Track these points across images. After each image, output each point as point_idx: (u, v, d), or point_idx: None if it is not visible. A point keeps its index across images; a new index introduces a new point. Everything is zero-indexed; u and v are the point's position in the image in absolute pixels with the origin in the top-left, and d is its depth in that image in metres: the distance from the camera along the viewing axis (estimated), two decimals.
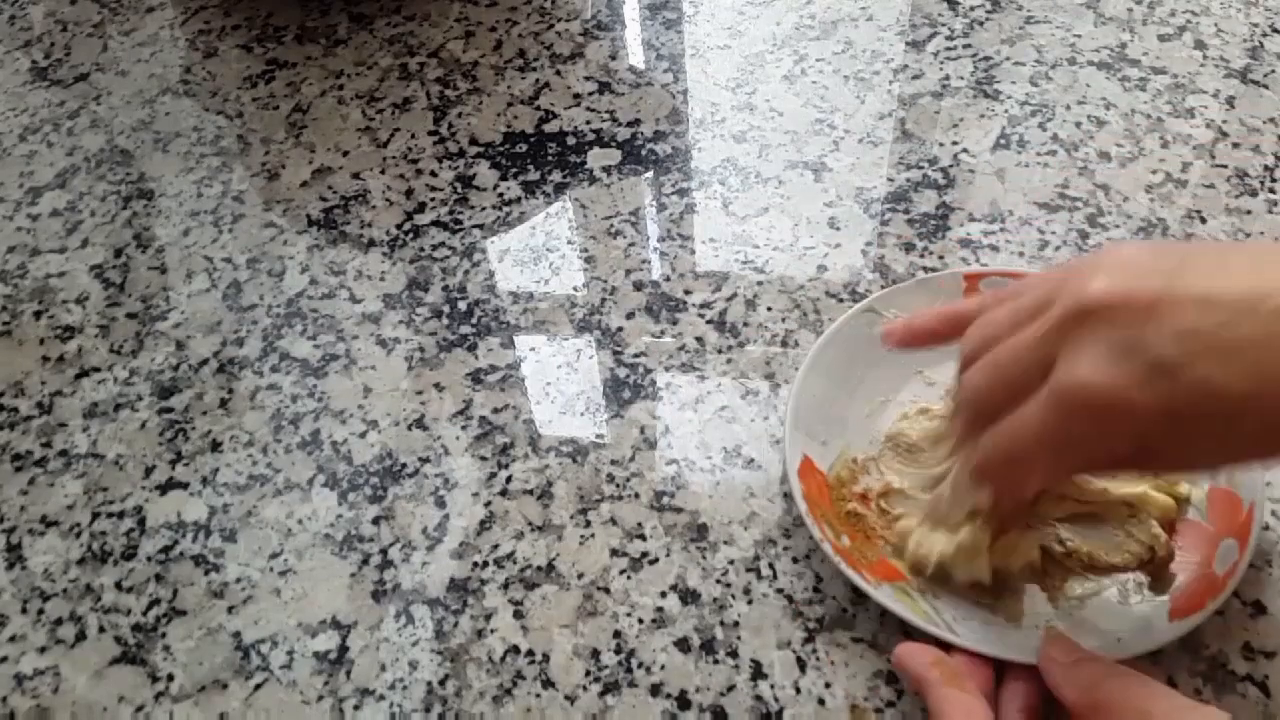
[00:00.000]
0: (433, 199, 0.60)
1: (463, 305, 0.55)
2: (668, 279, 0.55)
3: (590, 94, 0.65)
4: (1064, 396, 0.31)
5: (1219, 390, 0.29)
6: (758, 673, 0.41)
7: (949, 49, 0.64)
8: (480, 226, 0.59)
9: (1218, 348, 0.29)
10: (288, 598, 0.45)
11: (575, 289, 0.55)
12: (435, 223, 0.59)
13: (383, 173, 0.62)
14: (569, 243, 0.57)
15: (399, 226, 0.59)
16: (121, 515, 0.49)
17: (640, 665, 0.42)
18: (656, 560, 0.44)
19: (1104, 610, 0.40)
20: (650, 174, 0.60)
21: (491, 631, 0.43)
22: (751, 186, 0.58)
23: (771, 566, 0.43)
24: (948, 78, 0.63)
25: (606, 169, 0.61)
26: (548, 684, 0.41)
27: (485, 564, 0.45)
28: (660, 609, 0.43)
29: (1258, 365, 0.29)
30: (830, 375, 0.47)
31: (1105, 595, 0.40)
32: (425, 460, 0.49)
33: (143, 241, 0.61)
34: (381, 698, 0.42)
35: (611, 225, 0.58)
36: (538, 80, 0.66)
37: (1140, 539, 0.40)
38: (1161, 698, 0.33)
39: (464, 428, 0.50)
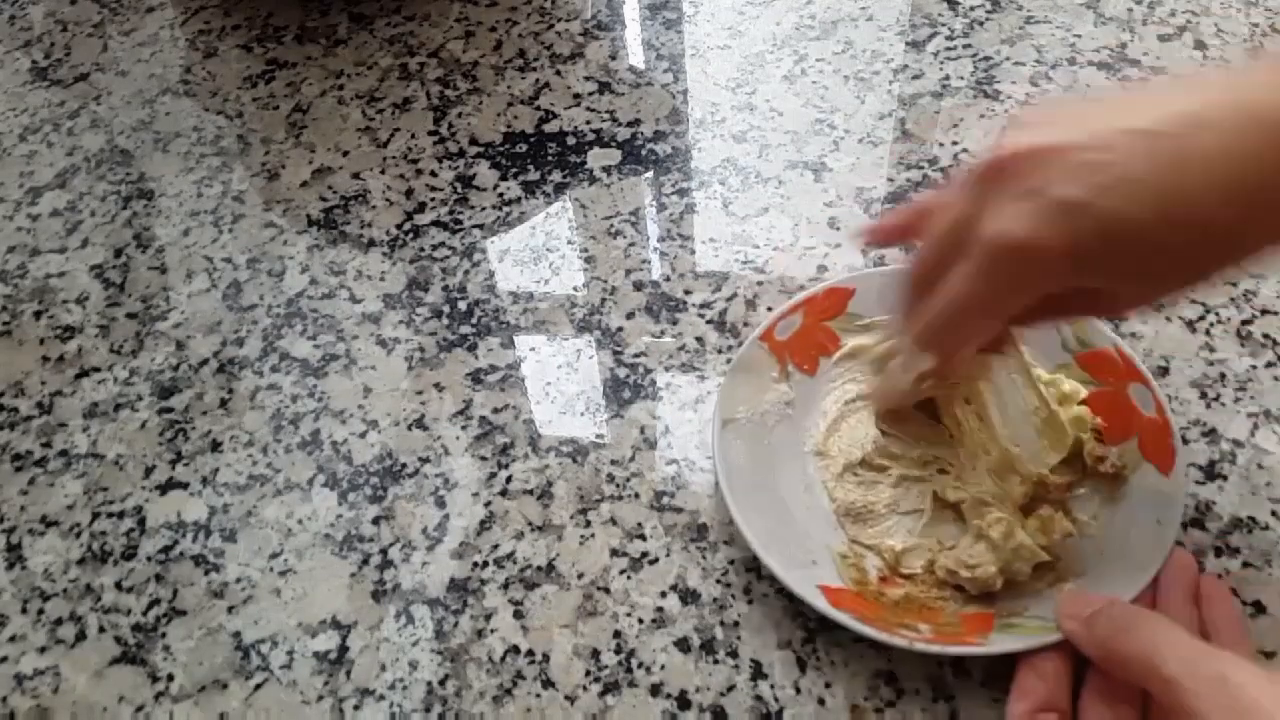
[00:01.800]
0: (433, 199, 0.60)
1: (463, 305, 0.55)
2: (668, 279, 0.55)
3: (590, 94, 0.65)
4: (983, 249, 0.32)
5: (1126, 219, 0.30)
6: (758, 673, 0.41)
7: (949, 49, 0.64)
8: (480, 226, 0.59)
9: (1121, 180, 0.30)
10: (288, 598, 0.45)
11: (575, 289, 0.55)
12: (435, 223, 0.59)
13: (383, 173, 0.62)
14: (569, 243, 0.57)
15: (399, 226, 0.59)
16: (121, 515, 0.49)
17: (640, 665, 0.42)
18: (656, 560, 0.44)
19: (1117, 509, 0.42)
20: (650, 174, 0.60)
21: (491, 631, 0.43)
22: (751, 186, 0.58)
23: None
24: (948, 78, 0.63)
25: (606, 169, 0.61)
26: (548, 684, 0.41)
27: (485, 564, 0.45)
28: (660, 609, 0.43)
29: (1159, 193, 0.30)
30: (755, 492, 0.44)
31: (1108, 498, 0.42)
32: (425, 460, 0.49)
33: (143, 241, 0.61)
34: (381, 698, 0.42)
35: (611, 225, 0.58)
36: (538, 80, 0.66)
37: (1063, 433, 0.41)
38: (1174, 645, 0.33)
39: (464, 428, 0.50)
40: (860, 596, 0.41)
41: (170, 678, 0.43)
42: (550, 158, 0.62)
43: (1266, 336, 0.48)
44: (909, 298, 0.37)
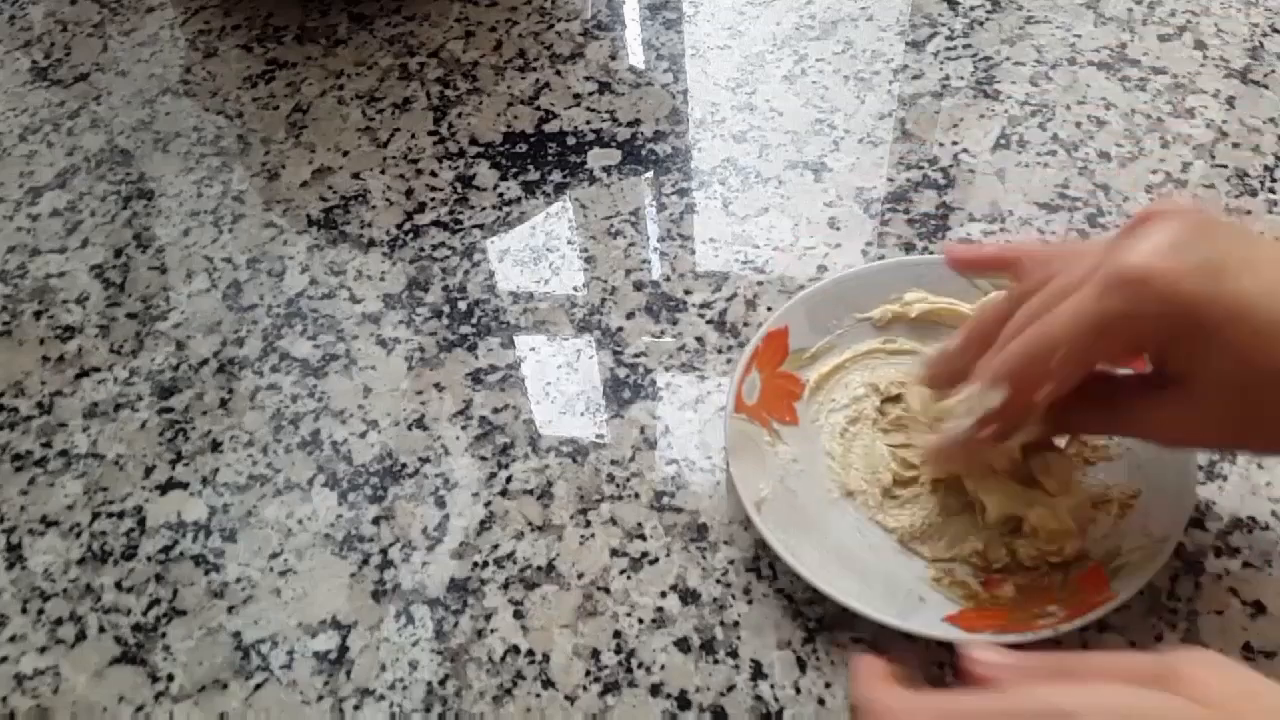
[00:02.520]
0: (433, 199, 0.60)
1: (463, 305, 0.55)
2: (668, 279, 0.55)
3: (590, 94, 0.65)
4: (1112, 273, 0.33)
5: (1248, 304, 0.31)
6: (758, 673, 0.41)
7: (949, 49, 0.64)
8: (480, 226, 0.59)
9: (1264, 270, 0.32)
10: (288, 598, 0.45)
11: (575, 289, 0.55)
12: (435, 223, 0.59)
13: (383, 173, 0.62)
14: (569, 243, 0.57)
15: (399, 226, 0.59)
16: (121, 515, 0.49)
17: (640, 665, 0.42)
18: (656, 560, 0.44)
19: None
20: (650, 174, 0.60)
21: (491, 631, 0.43)
22: (751, 186, 0.58)
23: (771, 566, 0.43)
24: (948, 78, 0.63)
25: (606, 169, 0.61)
26: (548, 684, 0.41)
27: (485, 564, 0.45)
28: (660, 609, 0.43)
29: None
30: (826, 561, 0.43)
31: None
32: (425, 460, 0.49)
33: (143, 241, 0.61)
34: (381, 698, 0.42)
35: (611, 225, 0.58)
36: (538, 80, 0.66)
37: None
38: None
39: (464, 428, 0.50)
40: (984, 610, 0.40)
41: (170, 678, 0.43)
42: (550, 158, 0.62)
43: None
44: (996, 319, 0.37)
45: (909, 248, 0.54)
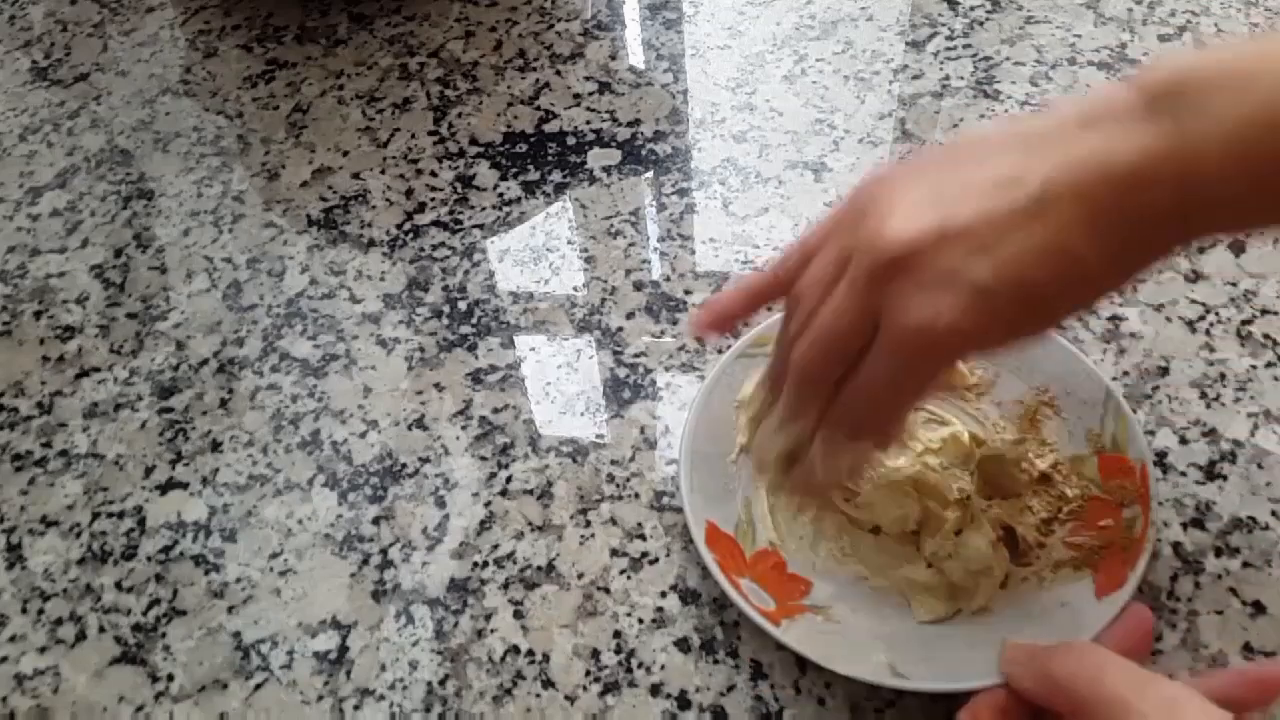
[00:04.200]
0: (433, 199, 0.60)
1: (463, 305, 0.55)
2: (668, 279, 0.55)
3: (590, 94, 0.65)
4: (903, 343, 0.32)
5: (1035, 285, 0.31)
6: (758, 673, 0.41)
7: (949, 49, 0.64)
8: (480, 226, 0.59)
9: (1012, 255, 0.31)
10: (288, 598, 0.45)
11: (575, 289, 0.55)
12: (435, 223, 0.59)
13: (383, 173, 0.62)
14: (569, 243, 0.57)
15: (399, 226, 0.59)
16: (121, 515, 0.49)
17: (640, 665, 0.42)
18: (656, 560, 0.44)
19: (1031, 602, 0.40)
20: (650, 174, 0.60)
21: (491, 631, 0.43)
22: (751, 186, 0.58)
23: None
24: (948, 78, 0.63)
25: (606, 169, 0.61)
26: (548, 684, 0.41)
27: (485, 564, 0.45)
28: (660, 609, 0.43)
29: (1045, 250, 0.30)
30: (714, 430, 0.45)
31: (1026, 587, 0.41)
32: (425, 460, 0.49)
33: (143, 241, 0.61)
34: (381, 698, 0.42)
35: (611, 225, 0.58)
36: (538, 80, 0.66)
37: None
38: (1122, 669, 0.33)
39: (464, 428, 0.50)
40: (737, 546, 0.42)
41: (170, 678, 0.43)
42: (550, 158, 0.62)
43: (1266, 336, 0.48)
44: (804, 399, 0.36)
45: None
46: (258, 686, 0.43)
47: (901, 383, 0.34)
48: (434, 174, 0.62)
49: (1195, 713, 0.30)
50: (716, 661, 0.41)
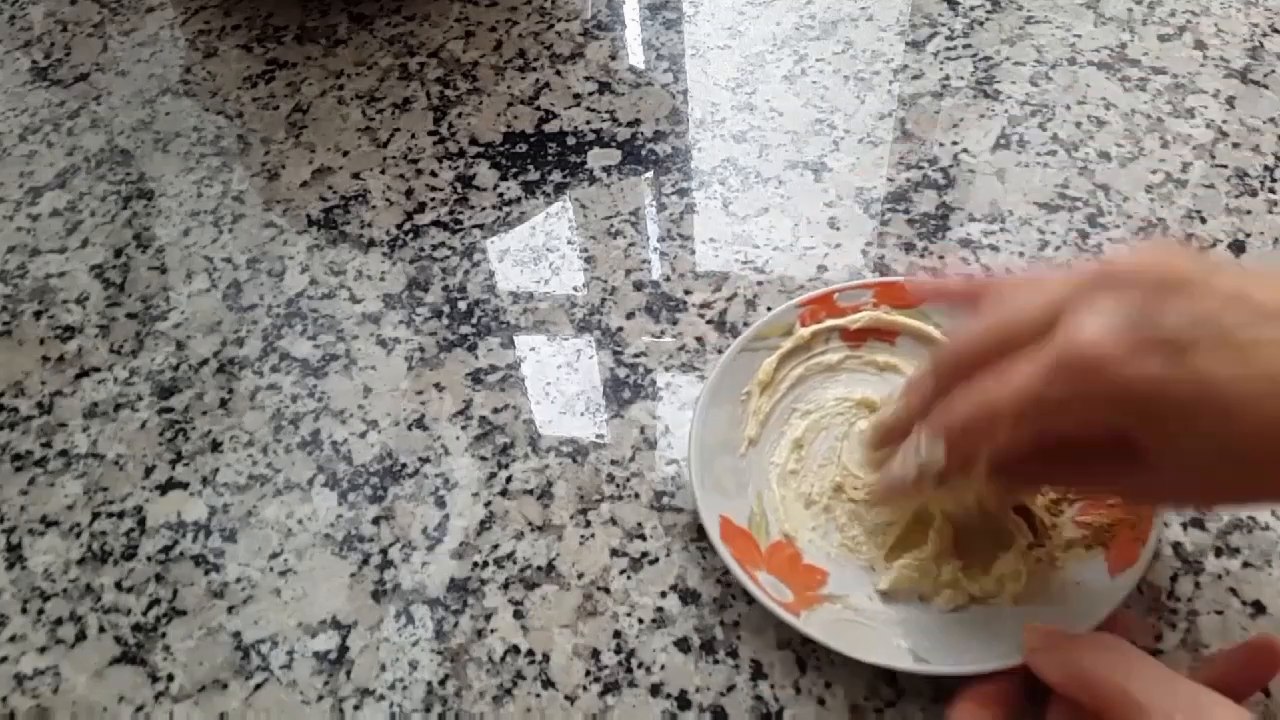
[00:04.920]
0: (433, 199, 0.60)
1: (463, 305, 0.55)
2: (668, 279, 0.55)
3: (590, 94, 0.65)
4: (1058, 353, 0.30)
5: (1218, 385, 0.28)
6: (758, 673, 0.41)
7: (949, 49, 0.64)
8: (480, 226, 0.59)
9: (1233, 344, 0.28)
10: (288, 598, 0.45)
11: (575, 289, 0.55)
12: (435, 223, 0.59)
13: (383, 173, 0.62)
14: (569, 243, 0.57)
15: (399, 226, 0.59)
16: (121, 515, 0.49)
17: (640, 665, 0.42)
18: (656, 560, 0.44)
19: (1046, 583, 0.40)
20: (650, 174, 0.60)
21: (491, 631, 0.43)
22: (751, 186, 0.58)
23: None
24: (948, 78, 0.63)
25: (606, 169, 0.61)
26: (548, 684, 0.41)
27: (485, 564, 0.45)
28: (660, 609, 0.43)
29: (1267, 373, 0.27)
30: (722, 424, 0.45)
31: (1039, 568, 0.41)
32: (425, 460, 0.49)
33: (143, 241, 0.61)
34: (381, 698, 0.42)
35: (611, 225, 0.58)
36: (538, 80, 0.66)
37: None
38: (1148, 668, 0.32)
39: (464, 428, 0.50)
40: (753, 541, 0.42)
41: (170, 678, 0.43)
42: (550, 158, 0.62)
43: None
44: (945, 373, 0.35)
45: (909, 248, 0.54)
46: (258, 686, 0.43)
47: (1021, 394, 0.31)
48: (434, 174, 0.62)
49: (1224, 714, 0.30)
50: (716, 661, 0.41)
